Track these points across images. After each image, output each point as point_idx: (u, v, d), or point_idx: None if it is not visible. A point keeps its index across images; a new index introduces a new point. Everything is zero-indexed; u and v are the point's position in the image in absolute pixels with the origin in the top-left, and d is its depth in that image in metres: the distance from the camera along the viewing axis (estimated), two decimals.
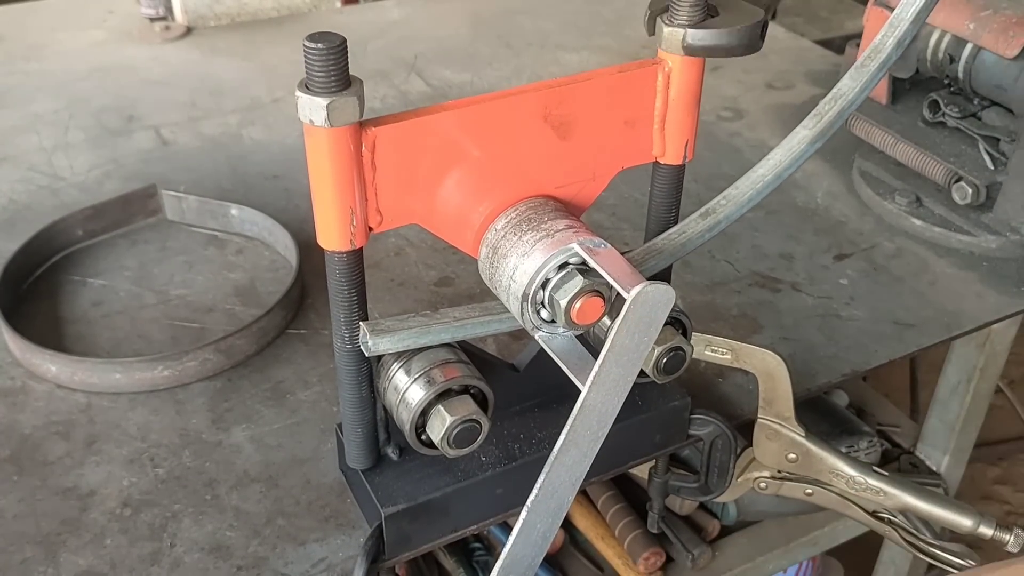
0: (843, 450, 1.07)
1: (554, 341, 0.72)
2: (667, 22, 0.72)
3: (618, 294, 0.65)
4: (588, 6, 1.94)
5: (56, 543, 0.84)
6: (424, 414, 0.74)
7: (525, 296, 0.68)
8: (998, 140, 1.23)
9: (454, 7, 1.93)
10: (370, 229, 0.69)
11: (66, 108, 1.53)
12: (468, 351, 0.78)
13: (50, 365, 1.00)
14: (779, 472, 0.98)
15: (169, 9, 1.81)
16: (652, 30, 0.73)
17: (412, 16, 1.89)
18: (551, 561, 1.26)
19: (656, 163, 0.79)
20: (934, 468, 1.43)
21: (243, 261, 1.20)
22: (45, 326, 1.08)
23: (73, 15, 1.87)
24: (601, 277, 0.66)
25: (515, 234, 0.70)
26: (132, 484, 0.89)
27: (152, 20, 1.79)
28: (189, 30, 1.80)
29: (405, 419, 0.74)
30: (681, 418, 0.91)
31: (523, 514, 0.67)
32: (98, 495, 0.88)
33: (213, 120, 1.51)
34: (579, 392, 0.66)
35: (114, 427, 0.96)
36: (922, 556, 0.97)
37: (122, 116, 1.51)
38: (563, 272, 0.68)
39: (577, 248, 0.67)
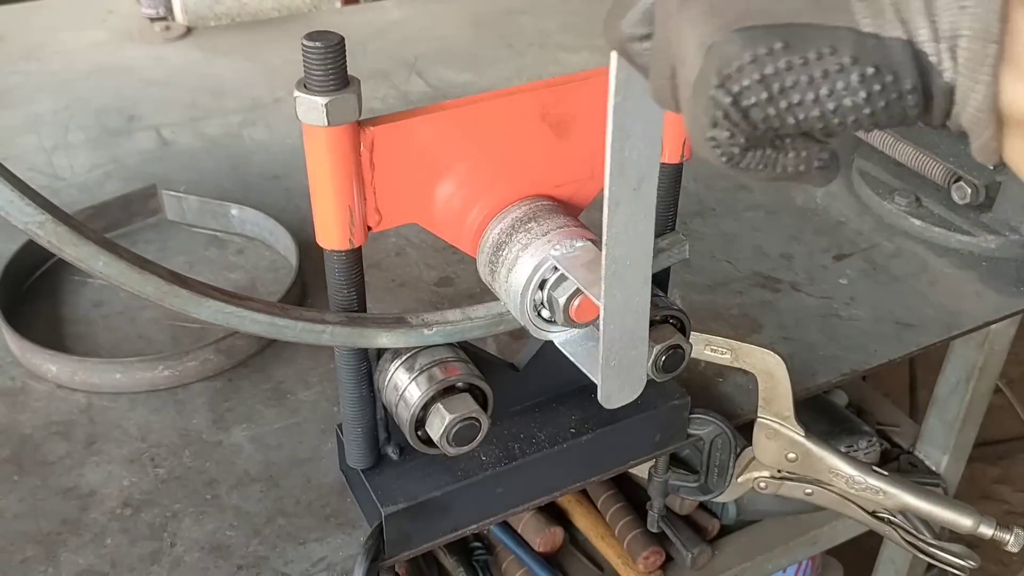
0: (843, 450, 1.07)
1: (569, 342, 0.73)
2: None
3: None
4: (588, 6, 1.94)
5: (56, 543, 0.84)
6: (424, 412, 0.74)
7: (524, 295, 0.69)
8: None
9: (454, 7, 1.93)
10: (369, 228, 0.69)
11: (66, 108, 1.54)
12: (468, 350, 0.78)
13: (50, 365, 1.00)
14: (779, 472, 0.98)
15: (169, 9, 1.81)
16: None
17: (412, 16, 1.90)
18: (551, 561, 1.26)
19: None
20: (933, 468, 1.43)
21: (243, 261, 1.21)
22: (45, 326, 1.08)
23: (73, 15, 1.87)
24: None
25: (513, 234, 0.70)
26: (132, 484, 0.89)
27: (152, 20, 1.80)
28: (189, 30, 1.80)
29: (404, 417, 0.74)
30: (681, 417, 0.91)
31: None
32: (98, 495, 0.88)
33: (214, 120, 1.51)
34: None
35: (114, 427, 0.96)
36: (922, 556, 0.97)
37: (122, 116, 1.52)
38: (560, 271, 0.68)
39: (551, 255, 0.67)
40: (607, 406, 0.70)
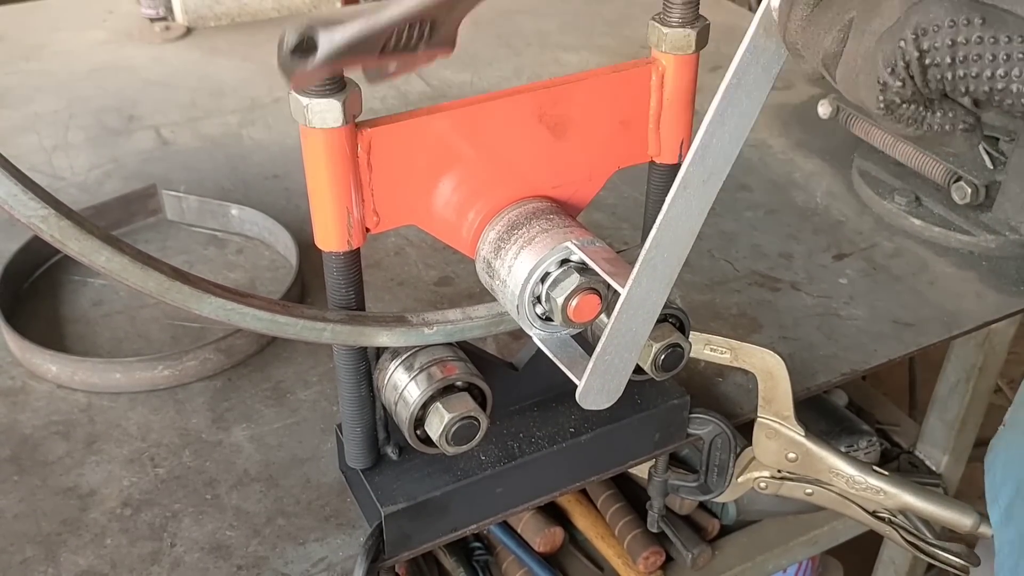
0: (843, 449, 1.07)
1: (551, 340, 0.72)
2: (660, 22, 0.72)
3: (615, 292, 0.65)
4: (588, 6, 1.94)
5: (56, 543, 0.84)
6: (423, 411, 0.74)
7: (521, 294, 0.69)
8: (997, 140, 1.23)
9: None
10: (367, 230, 0.69)
11: (66, 108, 1.54)
12: (467, 350, 0.78)
13: (50, 365, 1.00)
14: (779, 472, 0.98)
15: (169, 9, 1.81)
16: None
17: None
18: (551, 561, 1.26)
19: (652, 163, 0.79)
20: (934, 467, 1.44)
21: (243, 261, 1.21)
22: (45, 326, 1.09)
23: (73, 15, 1.87)
24: (597, 275, 0.67)
25: (511, 234, 0.70)
26: (132, 484, 0.90)
27: (152, 20, 1.80)
28: (189, 30, 1.80)
29: (404, 416, 0.74)
30: (680, 417, 0.92)
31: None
32: (98, 495, 0.88)
33: (213, 120, 1.51)
34: (575, 391, 0.67)
35: (114, 427, 0.96)
36: (922, 556, 0.97)
37: (122, 116, 1.52)
38: (560, 270, 0.68)
39: (570, 245, 0.67)
40: (583, 404, 0.70)
